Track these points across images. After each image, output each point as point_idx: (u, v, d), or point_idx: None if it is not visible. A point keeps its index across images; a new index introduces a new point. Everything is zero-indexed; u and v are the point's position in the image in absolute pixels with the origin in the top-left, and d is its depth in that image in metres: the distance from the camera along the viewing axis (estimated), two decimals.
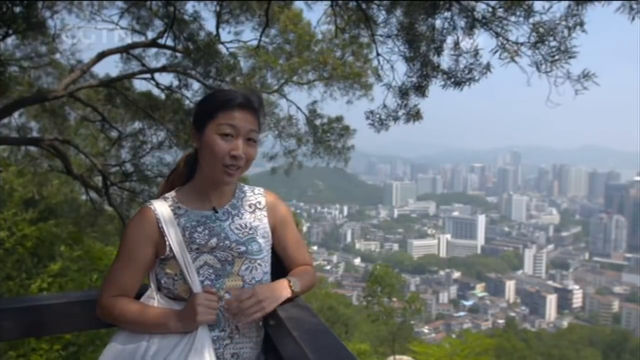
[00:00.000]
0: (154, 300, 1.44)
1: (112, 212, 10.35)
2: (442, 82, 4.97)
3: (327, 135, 9.63)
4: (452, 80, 4.88)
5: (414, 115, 5.64)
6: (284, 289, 1.45)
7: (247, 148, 1.43)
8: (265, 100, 9.28)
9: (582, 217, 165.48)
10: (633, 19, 3.63)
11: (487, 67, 4.76)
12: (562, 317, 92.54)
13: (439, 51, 5.07)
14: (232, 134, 1.41)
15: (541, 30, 4.24)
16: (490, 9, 4.54)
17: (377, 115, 5.68)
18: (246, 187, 1.62)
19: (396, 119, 5.66)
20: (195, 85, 8.78)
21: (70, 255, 6.46)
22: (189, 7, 7.81)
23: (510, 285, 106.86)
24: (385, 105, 5.63)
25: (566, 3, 4.14)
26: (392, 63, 5.80)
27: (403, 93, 5.52)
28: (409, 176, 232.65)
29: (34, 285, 5.08)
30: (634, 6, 3.55)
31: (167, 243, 1.42)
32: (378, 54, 6.01)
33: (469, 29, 4.70)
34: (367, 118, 5.70)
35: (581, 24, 4.12)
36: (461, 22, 4.78)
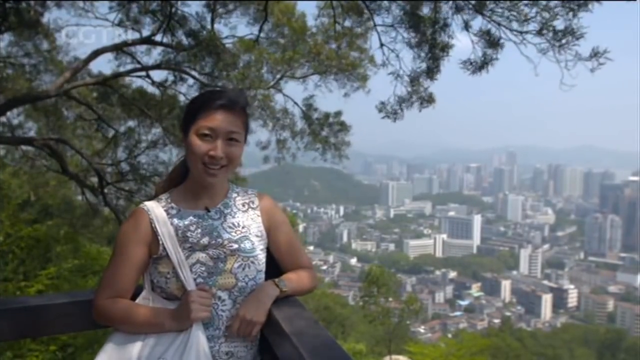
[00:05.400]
0: (149, 301, 1.44)
1: (108, 213, 10.31)
2: (466, 69, 4.83)
3: (324, 129, 9.64)
4: (473, 65, 4.80)
5: (427, 99, 5.57)
6: (270, 289, 1.45)
7: (228, 148, 1.44)
8: (261, 95, 9.27)
9: (577, 216, 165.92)
10: None
11: (498, 43, 4.68)
12: (558, 317, 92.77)
13: (444, 29, 5.00)
14: (212, 135, 1.42)
15: (545, 15, 4.16)
16: None
17: (389, 105, 5.62)
18: (239, 188, 1.62)
19: (410, 105, 5.59)
20: (190, 80, 8.77)
21: (66, 257, 6.42)
22: (184, 3, 7.76)
23: (506, 285, 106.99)
24: (396, 95, 5.56)
25: None
26: (397, 52, 5.73)
27: (413, 79, 5.45)
28: (405, 176, 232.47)
29: (32, 289, 5.04)
30: None
31: (160, 242, 1.43)
32: (382, 45, 5.93)
33: (478, 10, 4.61)
34: (380, 110, 5.64)
35: (584, 5, 3.99)
36: (468, 8, 4.73)
